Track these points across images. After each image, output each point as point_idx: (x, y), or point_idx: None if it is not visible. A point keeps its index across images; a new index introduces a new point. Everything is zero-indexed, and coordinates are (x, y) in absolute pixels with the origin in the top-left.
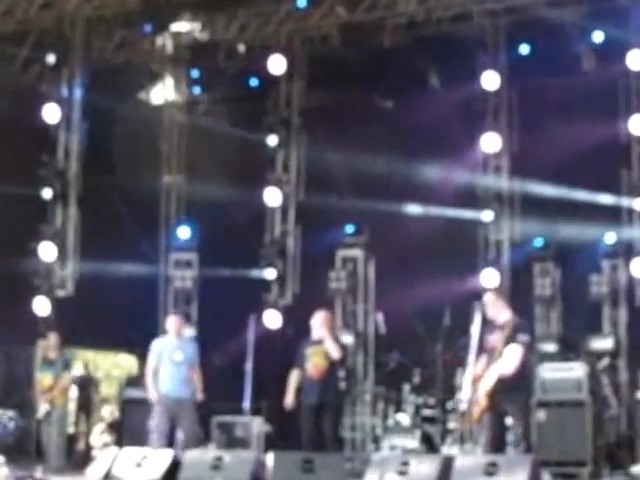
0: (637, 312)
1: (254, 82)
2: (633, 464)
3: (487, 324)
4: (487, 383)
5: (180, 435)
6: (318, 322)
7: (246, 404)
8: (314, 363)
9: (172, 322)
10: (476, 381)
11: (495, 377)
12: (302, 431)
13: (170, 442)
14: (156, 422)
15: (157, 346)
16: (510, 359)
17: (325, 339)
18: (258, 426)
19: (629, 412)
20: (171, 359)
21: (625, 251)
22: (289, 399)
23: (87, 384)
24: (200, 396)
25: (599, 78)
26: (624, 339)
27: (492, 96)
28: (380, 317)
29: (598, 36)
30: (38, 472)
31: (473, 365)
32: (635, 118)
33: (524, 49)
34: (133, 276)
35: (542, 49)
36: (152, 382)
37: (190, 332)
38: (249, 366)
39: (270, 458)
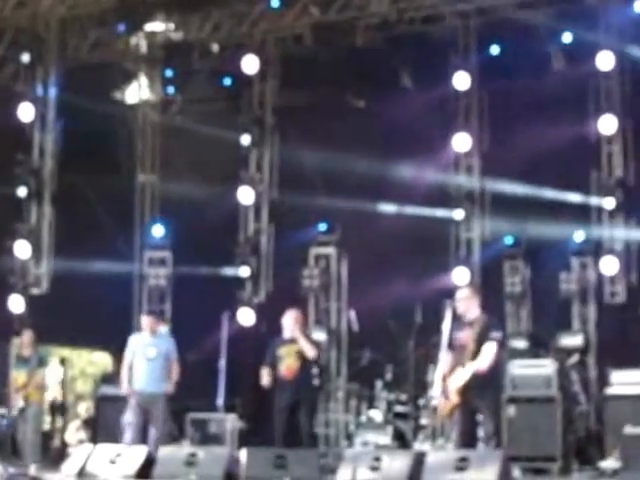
0: (606, 309)
1: (227, 82)
2: (602, 459)
3: (456, 321)
4: (460, 380)
5: (152, 431)
6: (290, 321)
7: (220, 401)
8: (287, 365)
9: (144, 321)
10: (445, 377)
11: (470, 374)
12: (276, 430)
13: (143, 438)
14: (129, 418)
15: (132, 342)
16: (486, 356)
17: (299, 339)
18: (232, 423)
19: (598, 408)
20: (144, 355)
21: (594, 249)
22: (265, 378)
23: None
24: (170, 389)
25: (568, 78)
26: (593, 336)
27: (463, 96)
28: (353, 314)
29: (567, 37)
30: (31, 469)
31: (444, 362)
32: (604, 118)
33: (495, 50)
34: (107, 274)
35: (512, 50)
36: (126, 377)
37: (165, 329)
38: (223, 363)
39: (244, 454)
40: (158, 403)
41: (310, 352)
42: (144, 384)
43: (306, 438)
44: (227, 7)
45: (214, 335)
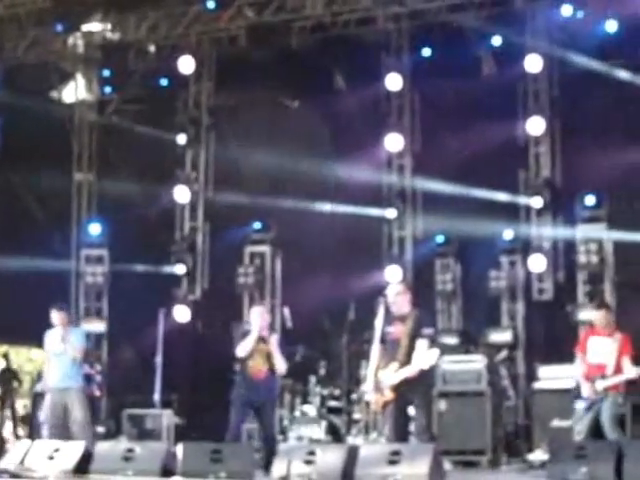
0: (534, 306)
1: (164, 82)
2: (530, 452)
3: (388, 316)
4: (396, 377)
5: (73, 425)
6: (262, 320)
7: (156, 397)
8: (256, 364)
9: (55, 316)
10: (378, 372)
11: (409, 372)
12: (230, 423)
13: (65, 434)
14: (46, 415)
15: (46, 339)
16: (424, 354)
17: (273, 351)
18: (168, 418)
19: (526, 402)
20: (54, 351)
21: (522, 248)
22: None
23: (8, 377)
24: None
25: (498, 81)
26: (522, 332)
27: (395, 97)
28: (287, 311)
29: (497, 40)
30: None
31: (376, 357)
32: (532, 119)
33: (426, 52)
34: (45, 272)
35: (444, 52)
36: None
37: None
38: (159, 360)
39: (180, 449)
40: (73, 397)
41: (281, 368)
42: (56, 380)
43: (272, 439)
44: (163, 8)
45: (150, 332)
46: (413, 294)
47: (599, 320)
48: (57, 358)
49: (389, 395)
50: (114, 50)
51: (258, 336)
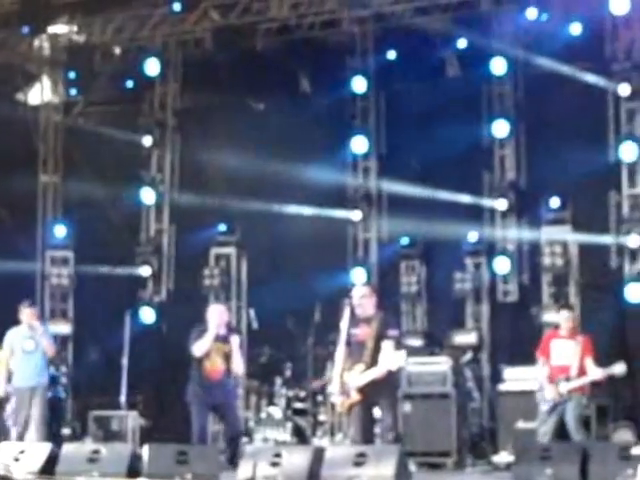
0: (499, 308)
1: (129, 84)
2: (495, 453)
3: (353, 319)
4: (362, 378)
5: (30, 422)
6: (220, 318)
7: (122, 398)
8: (214, 363)
9: (25, 313)
10: (344, 374)
11: (377, 374)
12: (193, 424)
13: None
14: (14, 415)
15: (9, 337)
16: (390, 355)
17: (233, 350)
18: (133, 420)
19: (491, 404)
20: (23, 349)
21: (487, 249)
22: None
23: None
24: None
25: (463, 83)
26: (486, 334)
27: (361, 100)
28: (252, 313)
29: (462, 43)
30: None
31: (342, 359)
32: (497, 122)
33: (391, 55)
34: (10, 273)
35: (409, 55)
36: (4, 376)
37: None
38: (125, 361)
39: (146, 450)
40: (37, 396)
41: (239, 369)
42: (25, 378)
43: (236, 437)
44: (129, 10)
45: (116, 334)
46: (378, 296)
47: (565, 321)
48: (27, 356)
49: (355, 397)
50: (80, 52)
51: (216, 335)
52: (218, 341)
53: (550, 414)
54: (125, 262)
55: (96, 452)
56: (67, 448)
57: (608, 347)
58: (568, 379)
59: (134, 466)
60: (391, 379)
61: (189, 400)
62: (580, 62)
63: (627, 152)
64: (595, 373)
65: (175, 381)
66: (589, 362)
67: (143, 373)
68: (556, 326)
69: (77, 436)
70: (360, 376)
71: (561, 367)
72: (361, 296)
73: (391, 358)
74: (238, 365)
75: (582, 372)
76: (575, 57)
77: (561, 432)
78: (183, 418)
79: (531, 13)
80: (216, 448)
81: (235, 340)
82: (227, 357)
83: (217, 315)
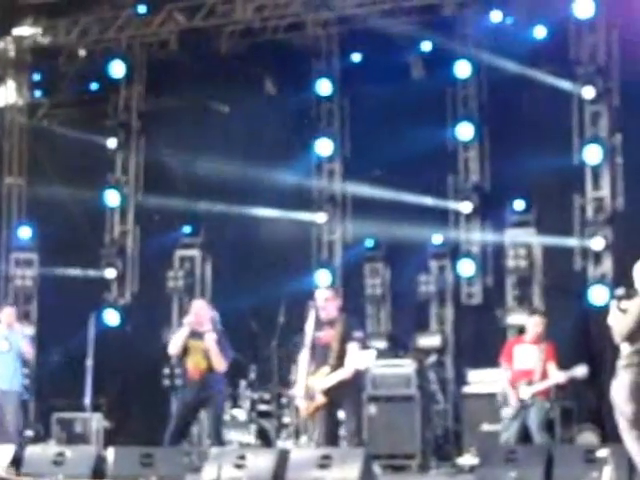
0: (463, 310)
1: (94, 86)
2: (459, 456)
3: (317, 321)
4: (327, 381)
5: (7, 428)
6: (197, 315)
7: (86, 400)
8: (195, 362)
9: (5, 313)
10: (308, 377)
11: (344, 374)
12: (174, 424)
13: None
14: None
15: None
16: (355, 359)
17: (211, 347)
18: (97, 422)
19: (455, 406)
20: None
21: (451, 252)
22: None
23: None
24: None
25: (427, 86)
26: (450, 336)
27: (325, 102)
28: (216, 315)
29: (426, 46)
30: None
31: (306, 361)
32: (461, 125)
33: (356, 57)
34: None
35: (373, 58)
36: None
37: (29, 331)
38: (89, 363)
39: (111, 453)
40: (9, 399)
41: (219, 366)
42: None
43: (214, 436)
44: (94, 12)
45: (80, 336)
46: (342, 299)
47: (534, 326)
48: (0, 356)
49: (320, 400)
50: (45, 54)
51: (192, 331)
52: (197, 338)
53: (513, 420)
54: (89, 264)
55: (60, 454)
56: (31, 450)
57: (572, 349)
58: (530, 383)
59: (99, 468)
60: (356, 382)
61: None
62: (544, 65)
63: (591, 155)
64: (557, 376)
65: (139, 383)
66: (552, 367)
67: (107, 375)
68: (521, 330)
69: (40, 438)
70: (325, 378)
71: (524, 372)
72: (325, 299)
73: (358, 358)
74: (217, 362)
75: (544, 377)
76: (539, 60)
77: (524, 437)
78: (147, 420)
79: (495, 16)
80: (181, 451)
81: (209, 337)
82: (207, 354)
83: (194, 311)
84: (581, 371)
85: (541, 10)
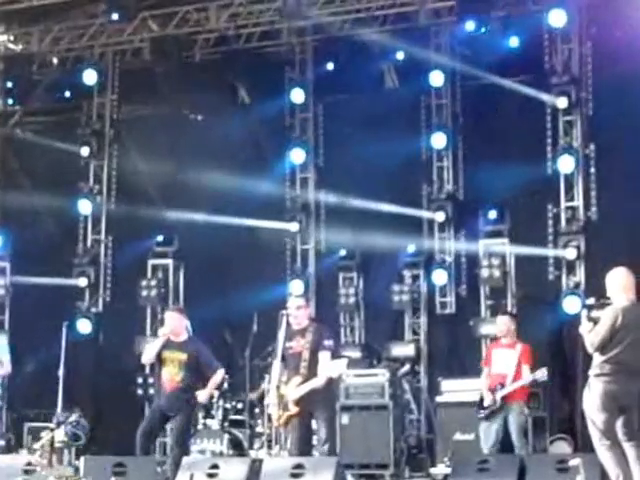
0: (437, 320)
1: (67, 94)
2: (433, 465)
3: (289, 331)
4: (299, 390)
5: None
6: (173, 326)
7: (58, 410)
8: (170, 373)
9: None
10: (280, 386)
11: (317, 383)
12: (144, 425)
13: None
14: None
15: None
16: (328, 368)
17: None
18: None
19: (429, 416)
20: None
21: (425, 261)
22: None
23: None
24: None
25: (401, 95)
26: (424, 346)
27: (299, 111)
28: (188, 324)
29: (400, 55)
30: None
31: (279, 370)
32: (435, 135)
33: (330, 66)
34: None
35: (347, 66)
36: None
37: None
38: (61, 372)
39: (82, 462)
40: None
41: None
42: None
43: (173, 447)
44: (67, 20)
45: (53, 345)
46: (315, 308)
47: (501, 326)
48: None
49: (293, 409)
50: (17, 62)
51: (167, 342)
52: (173, 349)
53: (486, 421)
54: (62, 273)
55: (31, 464)
56: (2, 460)
57: (546, 358)
58: (503, 386)
59: None
60: (328, 391)
61: None
62: (518, 75)
63: (564, 165)
64: (527, 378)
65: (112, 392)
66: (525, 369)
67: (79, 384)
68: (494, 337)
69: (12, 448)
70: (297, 389)
71: (500, 375)
72: (296, 307)
73: (330, 367)
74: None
75: (518, 379)
76: (513, 70)
77: (505, 443)
78: (120, 429)
79: (469, 26)
80: (154, 460)
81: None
82: (183, 365)
83: (169, 321)
84: (540, 374)
85: (515, 20)
